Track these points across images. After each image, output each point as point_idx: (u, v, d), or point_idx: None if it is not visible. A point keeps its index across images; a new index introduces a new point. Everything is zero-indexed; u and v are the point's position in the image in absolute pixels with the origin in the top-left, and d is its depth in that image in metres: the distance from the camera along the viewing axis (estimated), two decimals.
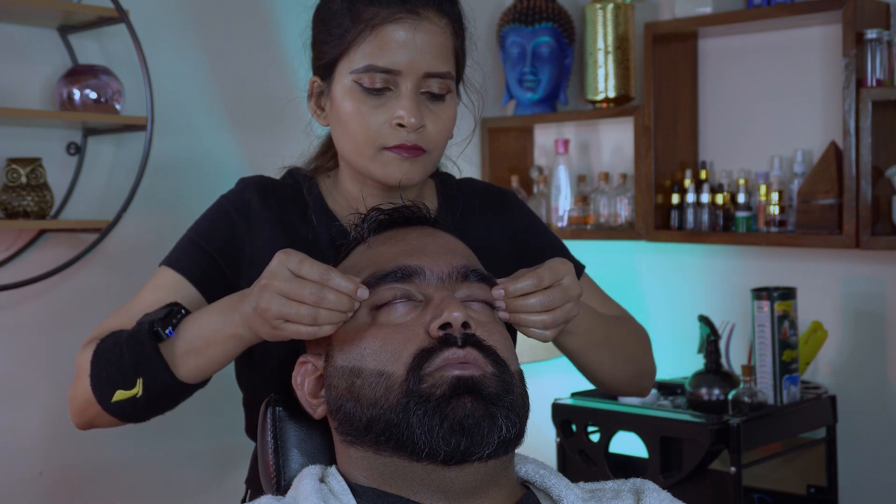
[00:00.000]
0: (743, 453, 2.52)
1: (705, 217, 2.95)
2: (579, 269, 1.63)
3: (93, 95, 2.33)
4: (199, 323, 1.35)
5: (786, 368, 2.67)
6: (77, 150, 2.44)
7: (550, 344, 1.45)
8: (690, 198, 2.97)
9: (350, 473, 1.27)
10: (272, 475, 1.36)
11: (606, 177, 3.17)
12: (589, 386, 2.72)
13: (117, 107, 2.38)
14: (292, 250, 1.23)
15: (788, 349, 2.68)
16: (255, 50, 2.74)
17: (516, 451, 1.28)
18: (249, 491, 1.59)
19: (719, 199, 2.95)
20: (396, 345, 1.23)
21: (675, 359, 3.12)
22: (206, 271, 1.48)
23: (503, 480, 1.25)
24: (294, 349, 1.38)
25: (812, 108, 2.92)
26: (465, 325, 1.22)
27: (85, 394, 1.39)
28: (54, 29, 2.40)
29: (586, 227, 3.17)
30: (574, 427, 2.78)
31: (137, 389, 1.35)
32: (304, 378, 1.32)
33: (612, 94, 3.13)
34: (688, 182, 3.00)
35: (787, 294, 2.68)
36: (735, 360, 2.87)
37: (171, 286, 1.47)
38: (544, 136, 3.45)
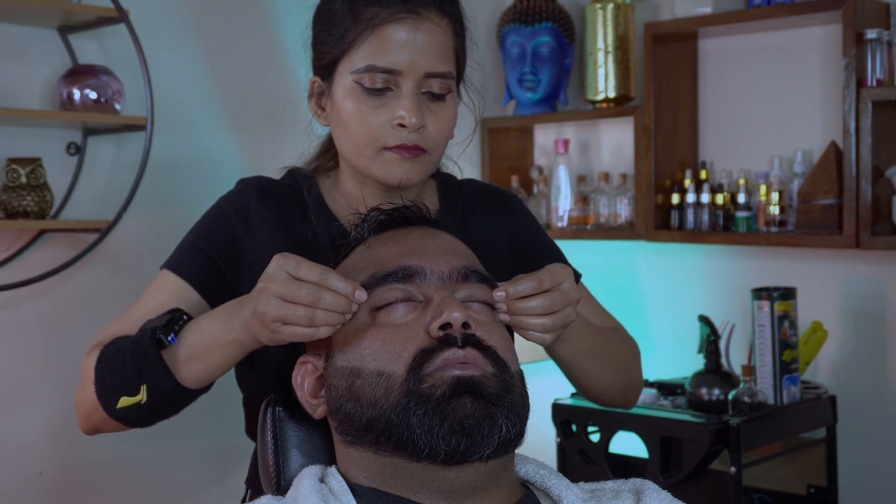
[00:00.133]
0: (743, 453, 2.52)
1: (705, 217, 2.95)
2: (576, 276, 1.63)
3: (93, 95, 2.33)
4: (201, 329, 1.35)
5: (786, 368, 2.67)
6: (77, 150, 2.44)
7: None
8: (690, 198, 2.97)
9: (350, 473, 1.27)
10: (272, 475, 1.36)
11: (606, 177, 3.17)
12: None
13: (117, 107, 2.38)
14: (289, 254, 1.23)
15: (788, 349, 2.68)
16: (255, 50, 2.74)
17: (516, 451, 1.28)
18: (249, 491, 1.59)
19: (719, 199, 2.95)
20: (396, 345, 1.23)
21: (675, 359, 3.12)
22: (207, 274, 1.48)
23: (503, 481, 1.25)
24: (294, 350, 1.38)
25: (812, 108, 2.92)
26: (465, 325, 1.22)
27: (90, 400, 1.40)
28: (54, 29, 2.40)
29: (586, 227, 3.17)
30: (574, 427, 2.78)
31: (142, 396, 1.36)
32: (304, 378, 1.32)
33: (612, 94, 3.13)
34: (688, 182, 3.00)
35: (787, 294, 2.68)
36: (735, 360, 2.87)
37: (173, 290, 1.47)
38: (544, 136, 3.45)
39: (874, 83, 2.62)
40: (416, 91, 1.43)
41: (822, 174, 2.73)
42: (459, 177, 1.65)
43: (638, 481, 1.34)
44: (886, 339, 2.82)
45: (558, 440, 2.81)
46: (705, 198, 2.95)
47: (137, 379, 1.35)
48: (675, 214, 3.02)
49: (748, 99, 3.05)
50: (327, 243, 1.47)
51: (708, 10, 2.94)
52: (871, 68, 2.62)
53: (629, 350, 1.61)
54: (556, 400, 2.80)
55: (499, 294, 1.30)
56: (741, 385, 2.67)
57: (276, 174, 1.60)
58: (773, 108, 3.00)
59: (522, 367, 1.30)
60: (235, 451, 2.35)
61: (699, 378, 2.75)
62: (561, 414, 2.78)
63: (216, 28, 2.67)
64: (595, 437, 2.75)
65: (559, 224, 3.23)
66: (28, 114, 2.29)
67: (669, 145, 3.06)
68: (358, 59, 1.43)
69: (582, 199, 3.18)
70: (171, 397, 1.37)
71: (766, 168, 2.95)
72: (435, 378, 1.19)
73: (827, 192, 2.71)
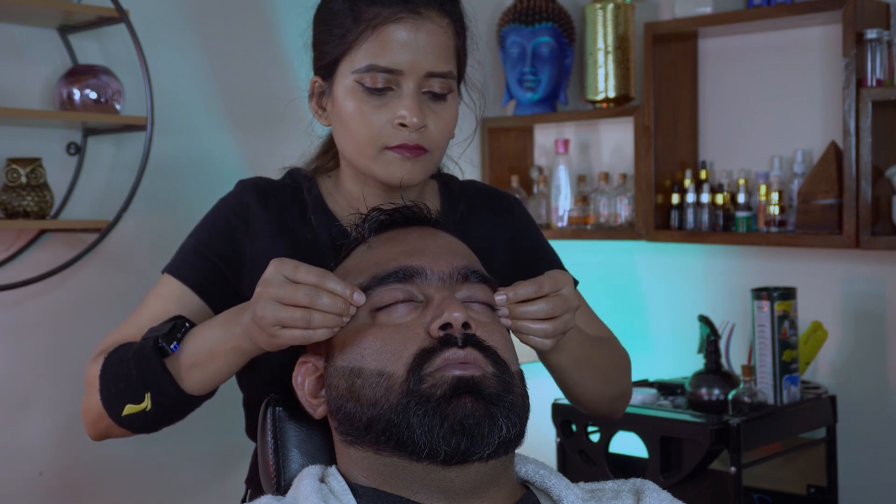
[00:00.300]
0: (743, 453, 2.52)
1: (705, 217, 2.95)
2: (573, 283, 1.62)
3: (93, 95, 2.33)
4: (203, 336, 1.36)
5: (786, 368, 2.67)
6: (77, 150, 2.44)
7: None
8: (690, 198, 2.97)
9: (350, 473, 1.27)
10: (272, 475, 1.36)
11: (606, 177, 3.17)
12: None
13: (117, 107, 2.38)
14: (286, 258, 1.24)
15: (788, 349, 2.68)
16: (255, 50, 2.74)
17: (516, 451, 1.28)
18: (249, 491, 1.59)
19: (719, 199, 2.95)
20: (397, 345, 1.23)
21: (675, 359, 3.12)
22: (209, 278, 1.48)
23: (503, 480, 1.25)
24: (295, 352, 1.38)
25: (812, 108, 2.92)
26: (465, 325, 1.22)
27: (97, 407, 1.41)
28: (54, 29, 2.40)
29: (586, 227, 3.17)
30: (574, 427, 2.78)
31: (146, 404, 1.37)
32: (304, 378, 1.32)
33: (612, 94, 3.13)
34: (688, 182, 3.00)
35: (787, 294, 2.68)
36: (735, 360, 2.87)
37: (175, 296, 1.47)
38: (544, 136, 3.45)
39: (874, 83, 2.62)
40: (417, 91, 1.43)
41: (822, 174, 2.73)
42: (461, 177, 1.65)
43: (638, 481, 1.34)
44: (886, 339, 2.82)
45: (558, 440, 2.81)
46: (705, 198, 2.95)
47: (141, 387, 1.36)
48: (675, 214, 3.02)
49: (748, 99, 3.05)
50: (327, 244, 1.47)
51: (708, 10, 2.94)
52: (871, 68, 2.62)
53: (621, 361, 1.60)
54: (556, 400, 2.80)
55: (500, 298, 1.30)
56: (741, 385, 2.67)
57: (276, 174, 1.60)
58: (773, 108, 3.00)
59: (522, 368, 1.30)
60: (235, 451, 2.35)
61: (699, 378, 2.75)
62: (561, 414, 2.78)
63: (216, 28, 2.67)
64: (595, 437, 2.75)
65: (559, 224, 3.23)
66: (28, 114, 2.30)
67: (669, 145, 3.06)
68: (359, 59, 1.43)
69: (582, 199, 3.18)
70: (175, 404, 1.38)
71: (766, 168, 2.95)
72: (435, 378, 1.19)
73: (827, 192, 2.71)
